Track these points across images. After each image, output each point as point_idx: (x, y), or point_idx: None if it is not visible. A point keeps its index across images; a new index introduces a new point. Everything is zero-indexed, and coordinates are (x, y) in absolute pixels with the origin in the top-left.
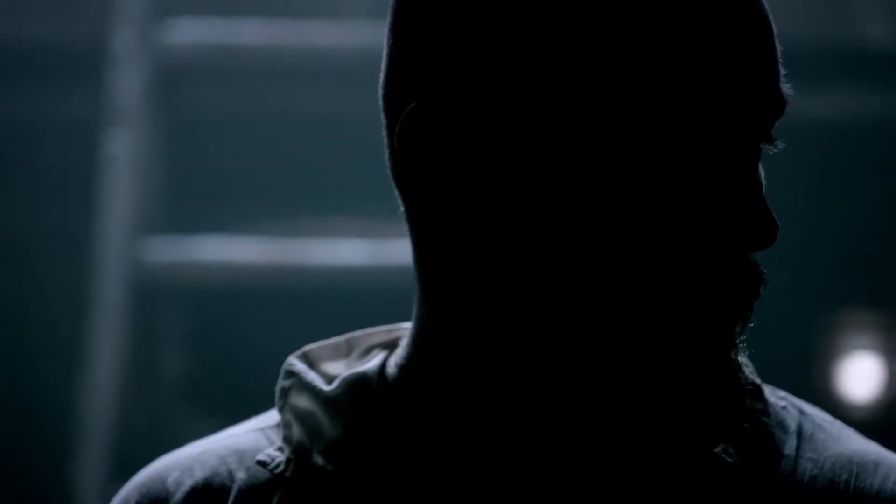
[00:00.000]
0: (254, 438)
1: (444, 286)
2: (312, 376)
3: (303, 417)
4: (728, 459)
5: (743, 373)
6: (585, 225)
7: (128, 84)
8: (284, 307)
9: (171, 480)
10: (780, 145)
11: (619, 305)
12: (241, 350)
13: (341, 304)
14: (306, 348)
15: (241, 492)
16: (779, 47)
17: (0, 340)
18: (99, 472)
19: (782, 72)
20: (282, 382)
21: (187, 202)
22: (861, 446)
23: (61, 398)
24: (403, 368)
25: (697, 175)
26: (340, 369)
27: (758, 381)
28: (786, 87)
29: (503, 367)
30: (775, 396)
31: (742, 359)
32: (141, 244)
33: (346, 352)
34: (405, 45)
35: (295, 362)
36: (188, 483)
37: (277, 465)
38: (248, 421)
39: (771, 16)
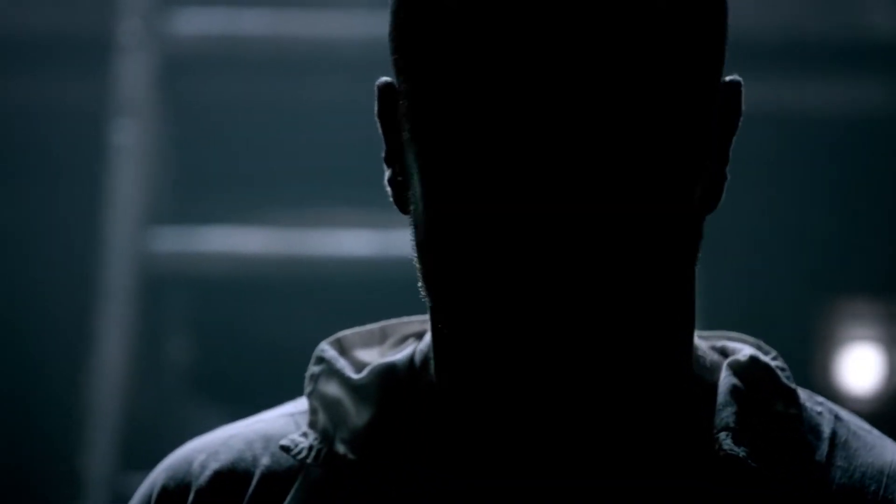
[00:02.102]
0: (283, 424)
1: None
2: (342, 364)
3: (329, 404)
4: (753, 464)
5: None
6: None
7: (134, 74)
8: (291, 298)
9: (196, 464)
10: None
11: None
12: (248, 340)
13: (348, 294)
14: (340, 334)
15: (263, 477)
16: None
17: (7, 330)
18: (107, 461)
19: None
20: (312, 368)
21: (194, 192)
22: (895, 457)
23: (68, 388)
24: (426, 359)
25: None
26: (374, 357)
27: (793, 385)
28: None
29: (473, 356)
30: (812, 401)
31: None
32: (148, 234)
33: (380, 339)
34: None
35: (326, 349)
36: (213, 466)
37: (300, 452)
38: (282, 406)
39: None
